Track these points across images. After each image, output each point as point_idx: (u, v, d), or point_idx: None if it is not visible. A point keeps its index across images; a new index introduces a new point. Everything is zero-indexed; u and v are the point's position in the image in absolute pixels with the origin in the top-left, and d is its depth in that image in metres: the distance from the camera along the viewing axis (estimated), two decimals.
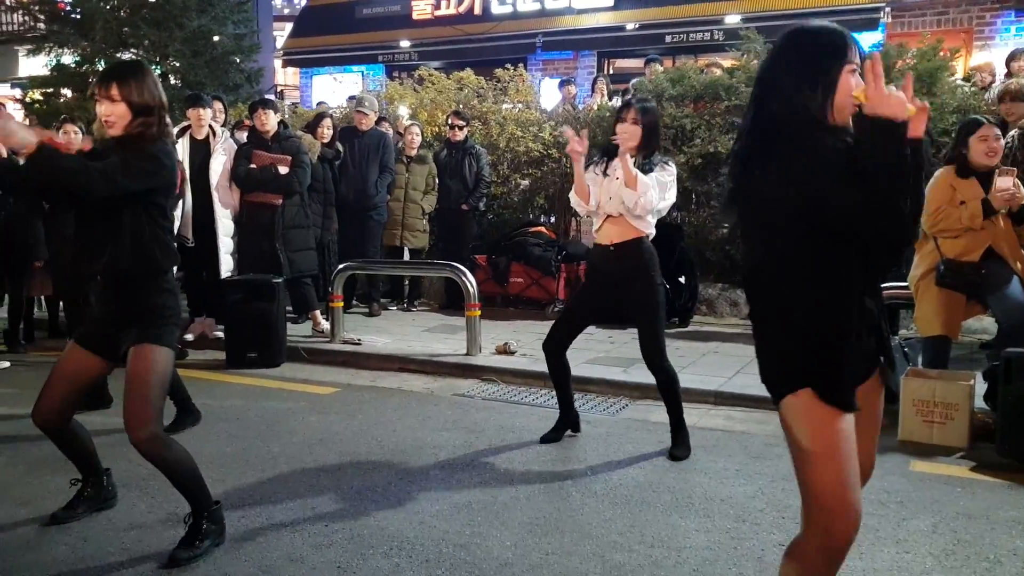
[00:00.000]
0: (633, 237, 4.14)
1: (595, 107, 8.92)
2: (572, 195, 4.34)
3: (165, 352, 3.07)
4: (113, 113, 3.00)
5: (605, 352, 6.31)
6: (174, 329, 3.13)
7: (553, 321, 4.55)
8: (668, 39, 12.87)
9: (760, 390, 5.51)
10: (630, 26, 13.19)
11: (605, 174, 4.22)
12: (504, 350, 6.21)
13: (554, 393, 4.47)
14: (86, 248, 3.11)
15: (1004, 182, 4.41)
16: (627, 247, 4.15)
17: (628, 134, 4.11)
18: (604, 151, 4.33)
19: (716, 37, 12.31)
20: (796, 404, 2.03)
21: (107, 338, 3.11)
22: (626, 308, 4.28)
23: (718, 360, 6.04)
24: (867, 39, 10.02)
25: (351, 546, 3.18)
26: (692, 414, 4.96)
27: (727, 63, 8.76)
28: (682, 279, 7.35)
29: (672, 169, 4.25)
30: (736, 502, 3.63)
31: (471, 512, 3.51)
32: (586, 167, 4.23)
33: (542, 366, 5.80)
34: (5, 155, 5.61)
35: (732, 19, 12.17)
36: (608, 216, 4.18)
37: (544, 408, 5.13)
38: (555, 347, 4.39)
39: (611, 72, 13.68)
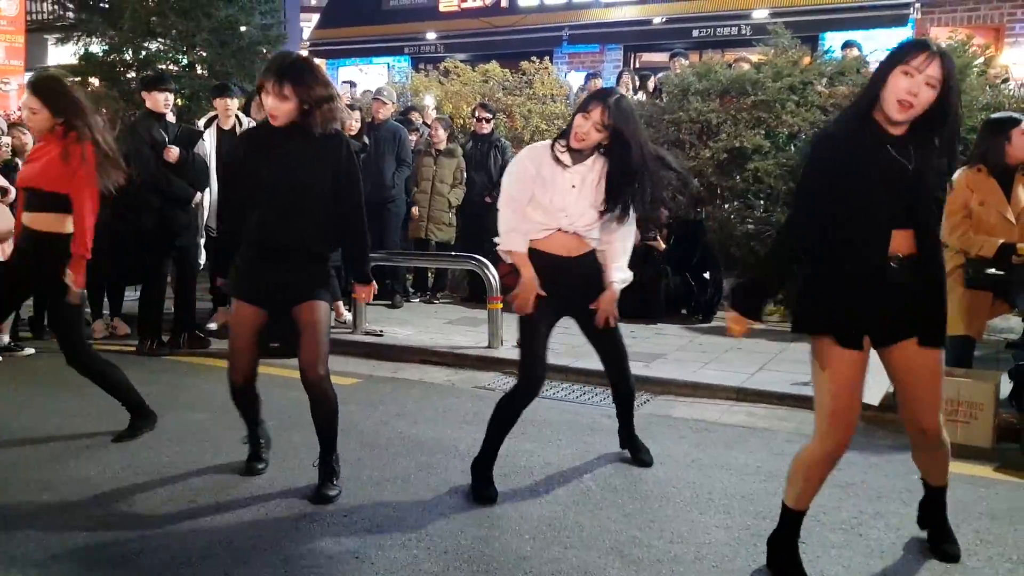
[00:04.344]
0: (591, 250, 3.63)
1: None
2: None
3: (327, 306, 3.62)
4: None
5: (627, 347, 6.26)
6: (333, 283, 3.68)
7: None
8: (695, 33, 12.79)
9: (782, 387, 5.48)
10: (657, 20, 13.11)
11: (559, 163, 3.48)
12: None
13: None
14: (274, 222, 3.45)
15: None
16: (588, 259, 3.62)
17: (583, 133, 3.40)
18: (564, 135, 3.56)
19: (744, 32, 12.22)
20: (816, 343, 2.76)
21: (275, 299, 3.55)
22: (584, 316, 3.71)
23: (741, 356, 5.99)
24: (896, 35, 9.89)
25: (370, 537, 3.19)
26: (713, 410, 4.95)
27: (755, 58, 8.69)
28: (706, 275, 7.30)
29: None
30: (757, 498, 3.61)
31: (489, 505, 3.51)
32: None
33: (563, 360, 5.82)
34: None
35: (760, 14, 12.06)
36: (559, 229, 3.53)
37: (565, 403, 5.12)
38: (531, 396, 3.64)
39: (637, 66, 13.60)
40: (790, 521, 2.92)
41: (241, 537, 3.16)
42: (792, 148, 7.63)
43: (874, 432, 4.44)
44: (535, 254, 3.56)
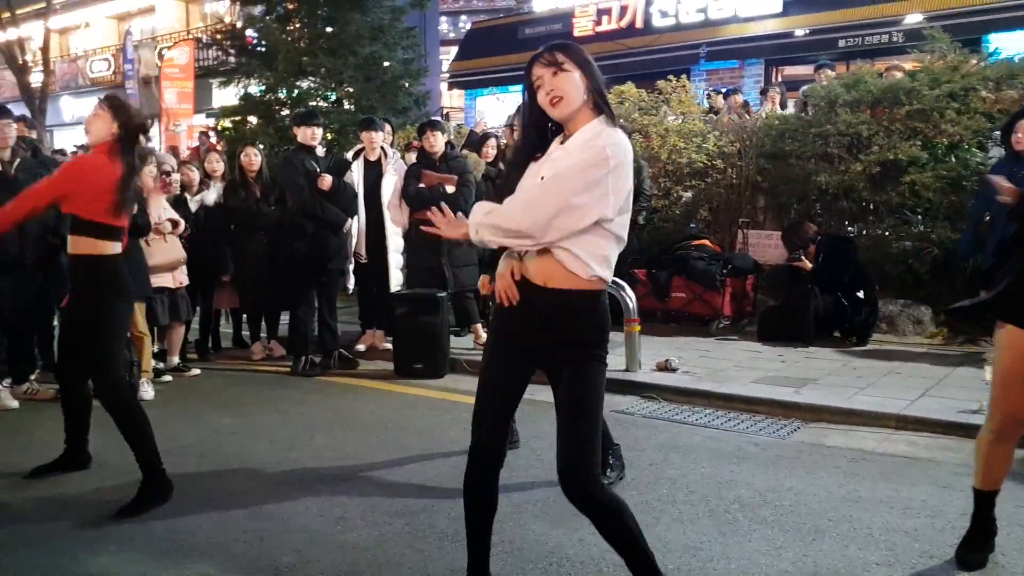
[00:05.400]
0: (579, 287, 2.46)
1: (763, 115, 8.63)
2: None
3: None
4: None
5: (775, 371, 6.03)
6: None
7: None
8: (841, 43, 12.32)
9: (947, 414, 5.12)
10: (799, 32, 12.73)
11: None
12: (665, 367, 6.06)
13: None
14: None
15: None
16: (569, 299, 2.48)
17: (558, 91, 2.44)
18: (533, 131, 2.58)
19: (895, 39, 11.67)
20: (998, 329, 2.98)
21: None
22: (557, 383, 2.61)
23: (900, 381, 5.63)
24: None
25: (511, 559, 3.17)
26: (871, 439, 4.66)
27: (908, 65, 8.24)
28: (860, 293, 6.93)
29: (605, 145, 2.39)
30: (922, 536, 3.35)
31: None
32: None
33: (706, 384, 5.67)
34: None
35: (913, 19, 11.48)
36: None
37: (709, 429, 4.96)
38: (486, 470, 2.66)
39: (780, 79, 13.22)
40: (978, 502, 3.09)
41: (387, 554, 3.22)
42: (953, 159, 7.15)
43: None
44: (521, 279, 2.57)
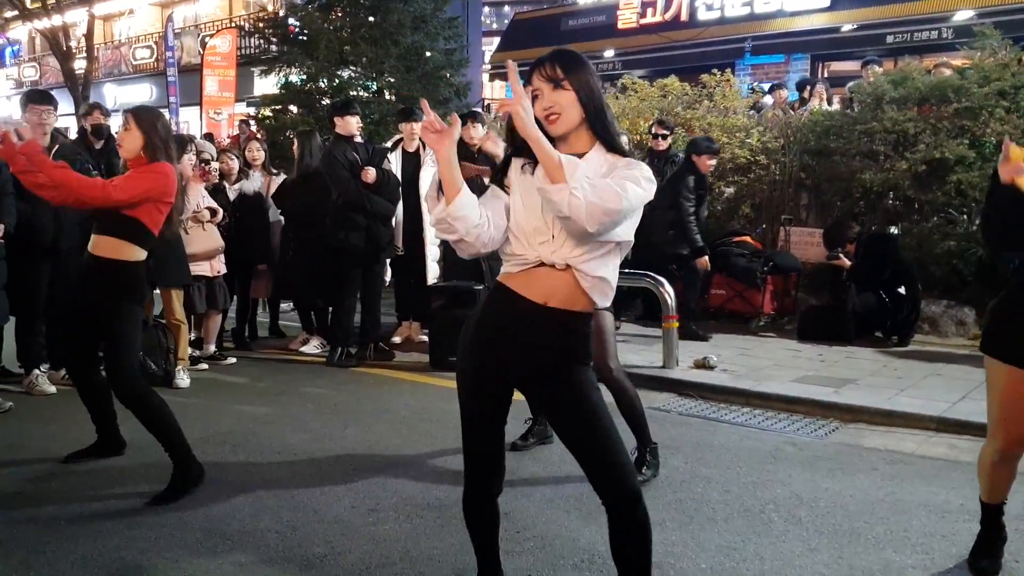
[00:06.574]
0: (583, 309, 2.33)
1: (809, 112, 8.50)
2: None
3: (611, 316, 3.91)
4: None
5: (815, 371, 5.95)
6: None
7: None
8: (889, 39, 12.12)
9: None
10: (847, 27, 12.54)
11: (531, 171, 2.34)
12: (703, 364, 6.01)
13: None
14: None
15: None
16: (568, 318, 2.31)
17: (556, 108, 2.32)
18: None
19: (944, 36, 11.45)
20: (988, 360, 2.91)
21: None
22: (552, 412, 2.47)
23: (941, 383, 5.52)
24: None
25: (542, 555, 3.17)
26: (910, 441, 4.58)
27: (957, 62, 8.06)
28: (902, 289, 6.79)
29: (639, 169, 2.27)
30: (960, 540, 3.28)
31: (664, 530, 3.40)
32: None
33: (744, 383, 5.60)
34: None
35: (963, 15, 11.24)
36: (542, 263, 2.30)
37: (746, 428, 4.90)
38: (483, 491, 2.59)
39: (826, 75, 13.02)
40: (986, 516, 3.07)
41: (418, 548, 3.23)
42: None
43: None
44: (499, 290, 2.39)
